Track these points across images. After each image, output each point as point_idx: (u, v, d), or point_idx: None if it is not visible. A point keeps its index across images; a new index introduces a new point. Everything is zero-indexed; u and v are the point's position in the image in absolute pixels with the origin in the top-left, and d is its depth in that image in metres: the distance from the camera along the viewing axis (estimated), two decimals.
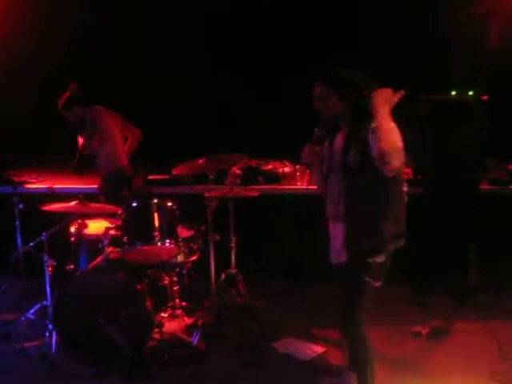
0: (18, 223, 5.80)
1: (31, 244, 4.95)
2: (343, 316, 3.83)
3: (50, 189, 6.61)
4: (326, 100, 3.61)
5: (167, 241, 4.97)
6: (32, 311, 5.19)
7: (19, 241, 5.81)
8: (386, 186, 3.51)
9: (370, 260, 3.60)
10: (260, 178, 6.61)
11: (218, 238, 5.37)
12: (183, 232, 5.35)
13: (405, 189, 3.68)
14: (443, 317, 5.30)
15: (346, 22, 7.81)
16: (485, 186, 6.13)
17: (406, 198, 3.70)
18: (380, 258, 3.62)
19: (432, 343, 4.98)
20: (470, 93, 6.11)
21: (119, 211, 5.02)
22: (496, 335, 4.96)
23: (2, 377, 4.61)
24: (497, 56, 7.12)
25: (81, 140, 6.09)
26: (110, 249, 5.00)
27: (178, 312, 5.22)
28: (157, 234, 4.91)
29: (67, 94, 5.97)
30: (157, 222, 4.94)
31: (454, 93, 6.27)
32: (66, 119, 6.06)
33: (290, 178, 6.77)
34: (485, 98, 6.11)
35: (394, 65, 7.47)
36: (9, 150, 7.36)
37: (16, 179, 6.68)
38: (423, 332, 5.08)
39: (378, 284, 3.69)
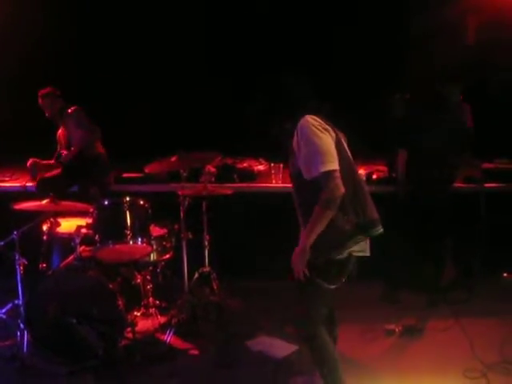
0: None
1: (1, 243, 4.89)
2: (295, 316, 3.80)
3: (23, 187, 6.55)
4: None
5: (139, 239, 4.93)
6: (3, 310, 5.14)
7: None
8: None
9: (320, 259, 3.52)
10: (235, 176, 6.60)
11: (191, 236, 5.35)
12: (156, 230, 5.33)
13: (363, 178, 3.71)
14: (416, 314, 5.33)
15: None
16: (459, 184, 6.18)
17: (365, 187, 3.69)
18: (338, 254, 3.52)
19: (405, 341, 5.01)
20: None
21: (91, 209, 4.98)
22: (468, 332, 5.00)
23: None
24: (473, 54, 7.16)
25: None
26: (82, 247, 4.96)
27: (152, 311, 5.21)
28: (129, 232, 4.88)
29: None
30: (129, 221, 4.89)
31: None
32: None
33: (265, 176, 6.78)
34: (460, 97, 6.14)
35: (372, 63, 7.52)
36: None
37: None
38: (396, 330, 5.10)
39: (331, 286, 3.58)
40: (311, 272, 3.53)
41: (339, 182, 3.36)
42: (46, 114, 6.35)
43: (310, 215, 3.45)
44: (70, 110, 6.27)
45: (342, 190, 3.36)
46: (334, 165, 3.37)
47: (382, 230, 3.62)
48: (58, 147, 6.46)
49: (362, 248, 3.61)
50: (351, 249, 3.54)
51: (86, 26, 8.00)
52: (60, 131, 6.46)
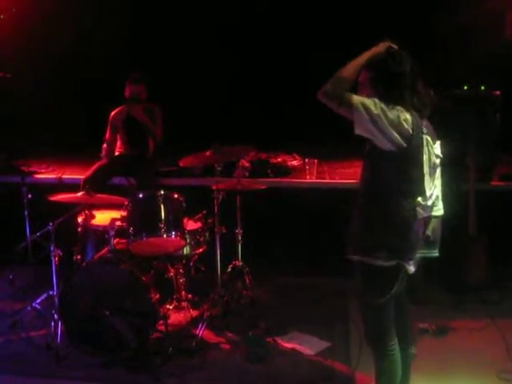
0: (26, 213, 5.82)
1: (38, 234, 4.95)
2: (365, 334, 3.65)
3: (59, 179, 6.61)
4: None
5: (173, 233, 4.95)
6: (38, 301, 5.20)
7: (27, 230, 5.83)
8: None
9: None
10: (269, 171, 6.59)
11: (224, 230, 5.34)
12: (190, 224, 5.35)
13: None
14: (450, 314, 5.26)
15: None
16: (495, 183, 6.08)
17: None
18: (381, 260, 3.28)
19: (438, 340, 4.95)
20: (482, 87, 6.06)
21: (126, 202, 5.01)
22: (504, 334, 4.91)
23: (7, 365, 4.63)
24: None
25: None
26: (116, 240, 5.00)
27: (184, 304, 5.24)
28: (162, 225, 4.89)
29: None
30: (163, 214, 4.92)
31: (465, 87, 6.22)
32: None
33: (299, 171, 6.75)
34: (497, 93, 6.05)
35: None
36: (22, 139, 7.39)
37: (25, 169, 6.75)
38: (430, 329, 5.04)
39: (381, 300, 3.36)
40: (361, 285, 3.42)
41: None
42: (143, 96, 6.37)
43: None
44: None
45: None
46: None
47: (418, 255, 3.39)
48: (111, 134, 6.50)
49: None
50: (399, 260, 3.29)
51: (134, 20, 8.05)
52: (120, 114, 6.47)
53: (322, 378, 4.41)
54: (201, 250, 5.37)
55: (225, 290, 5.43)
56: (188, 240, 5.17)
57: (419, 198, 3.25)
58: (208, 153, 5.26)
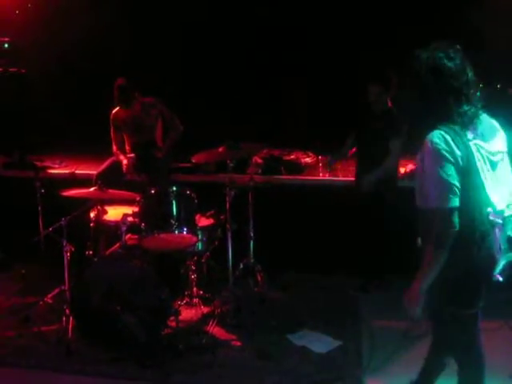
0: (39, 208, 5.82)
1: (50, 229, 4.96)
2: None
3: (72, 174, 6.62)
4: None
5: (185, 229, 4.94)
6: (50, 295, 5.22)
7: (41, 225, 5.84)
8: None
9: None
10: (282, 168, 6.57)
11: (236, 227, 5.33)
12: (202, 221, 5.34)
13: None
14: None
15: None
16: None
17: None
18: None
19: None
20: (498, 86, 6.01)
21: (138, 198, 5.01)
22: None
23: (19, 358, 4.64)
24: None
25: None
26: (128, 235, 5.00)
27: (195, 301, 5.23)
28: (174, 221, 4.89)
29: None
30: (175, 210, 4.92)
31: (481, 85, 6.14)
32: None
33: (313, 168, 6.72)
34: None
35: None
36: (36, 134, 7.42)
37: (39, 164, 6.76)
38: None
39: (469, 312, 3.30)
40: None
41: (454, 219, 2.98)
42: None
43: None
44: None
45: (457, 227, 2.98)
46: (450, 202, 2.97)
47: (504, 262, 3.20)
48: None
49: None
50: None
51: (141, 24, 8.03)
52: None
53: (333, 377, 4.38)
54: (212, 247, 5.36)
55: (236, 287, 5.41)
56: (200, 236, 5.16)
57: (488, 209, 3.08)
58: (221, 149, 5.25)
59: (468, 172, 3.00)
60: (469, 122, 3.04)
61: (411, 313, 3.23)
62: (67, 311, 4.81)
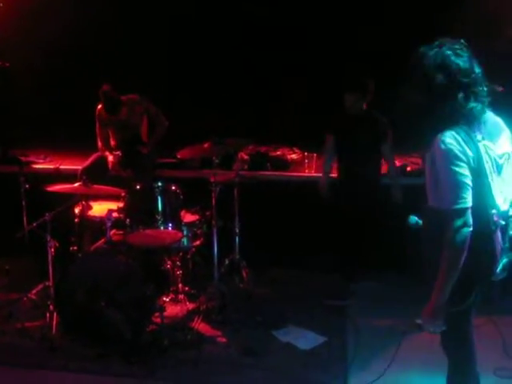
0: (23, 203, 5.78)
1: (34, 224, 4.93)
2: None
3: (57, 169, 6.59)
4: None
5: (170, 225, 4.93)
6: (34, 291, 5.20)
7: (25, 221, 5.80)
8: None
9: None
10: (268, 164, 6.56)
11: (222, 223, 5.32)
12: (187, 216, 5.33)
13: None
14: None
15: None
16: None
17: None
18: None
19: (435, 336, 4.91)
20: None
21: (123, 193, 4.99)
22: (501, 331, 4.88)
23: (2, 355, 4.61)
24: None
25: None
26: (113, 231, 4.98)
27: (180, 297, 5.23)
28: (160, 217, 4.88)
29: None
30: (160, 206, 4.91)
31: None
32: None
33: (299, 165, 6.72)
34: (501, 90, 5.99)
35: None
36: (20, 129, 7.35)
37: (23, 159, 6.71)
38: None
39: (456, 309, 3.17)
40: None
41: (469, 219, 2.96)
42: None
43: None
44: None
45: (471, 227, 2.95)
46: (465, 202, 2.95)
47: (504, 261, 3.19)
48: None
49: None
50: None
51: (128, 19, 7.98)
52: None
53: (318, 373, 4.39)
54: (198, 243, 5.35)
55: (221, 283, 5.40)
56: (185, 232, 5.15)
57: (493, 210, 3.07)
58: (206, 145, 5.23)
59: (478, 174, 2.97)
60: (475, 120, 3.01)
61: (433, 329, 3.20)
62: (51, 307, 4.78)
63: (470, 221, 2.94)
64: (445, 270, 2.99)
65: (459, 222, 2.92)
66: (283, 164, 6.72)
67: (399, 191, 5.67)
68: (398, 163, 6.40)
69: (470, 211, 2.93)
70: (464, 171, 2.92)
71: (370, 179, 5.58)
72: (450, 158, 2.91)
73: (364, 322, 5.12)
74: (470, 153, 2.93)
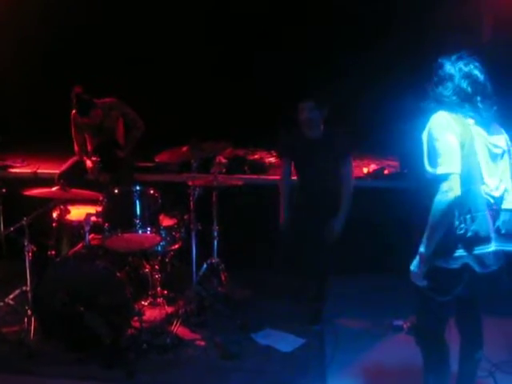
0: (0, 207, 5.75)
1: (11, 228, 4.90)
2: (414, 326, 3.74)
3: (34, 173, 6.56)
4: None
5: (148, 229, 4.93)
6: (11, 296, 5.15)
7: (1, 225, 5.77)
8: None
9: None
10: (246, 168, 6.58)
11: (200, 226, 5.32)
12: (166, 220, 5.33)
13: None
14: None
15: None
16: None
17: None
18: (443, 263, 3.27)
19: (412, 337, 4.96)
20: None
21: (101, 197, 4.98)
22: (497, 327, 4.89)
23: None
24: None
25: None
26: (91, 235, 4.96)
27: (159, 300, 5.22)
28: (138, 221, 4.88)
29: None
30: (138, 210, 4.90)
31: None
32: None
33: (276, 168, 6.73)
34: None
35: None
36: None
37: (0, 163, 6.67)
38: (404, 326, 5.05)
39: (440, 299, 3.36)
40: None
41: (455, 184, 3.16)
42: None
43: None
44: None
45: (458, 192, 3.14)
46: (450, 167, 3.17)
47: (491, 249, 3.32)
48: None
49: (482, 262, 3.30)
50: (464, 260, 3.27)
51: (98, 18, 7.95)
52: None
53: (297, 375, 4.41)
54: (176, 247, 5.34)
55: (200, 286, 5.41)
56: (163, 236, 5.14)
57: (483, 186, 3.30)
58: (184, 148, 5.24)
59: (465, 148, 3.23)
60: (480, 119, 3.31)
61: (419, 283, 3.35)
62: (29, 312, 4.75)
63: (457, 186, 3.15)
64: (430, 225, 3.21)
65: (445, 186, 3.15)
66: (261, 167, 6.74)
67: (340, 225, 5.13)
68: (375, 166, 6.47)
69: (457, 178, 3.15)
70: (454, 140, 3.20)
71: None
72: (441, 128, 3.23)
73: (342, 324, 5.16)
74: (456, 128, 3.22)
